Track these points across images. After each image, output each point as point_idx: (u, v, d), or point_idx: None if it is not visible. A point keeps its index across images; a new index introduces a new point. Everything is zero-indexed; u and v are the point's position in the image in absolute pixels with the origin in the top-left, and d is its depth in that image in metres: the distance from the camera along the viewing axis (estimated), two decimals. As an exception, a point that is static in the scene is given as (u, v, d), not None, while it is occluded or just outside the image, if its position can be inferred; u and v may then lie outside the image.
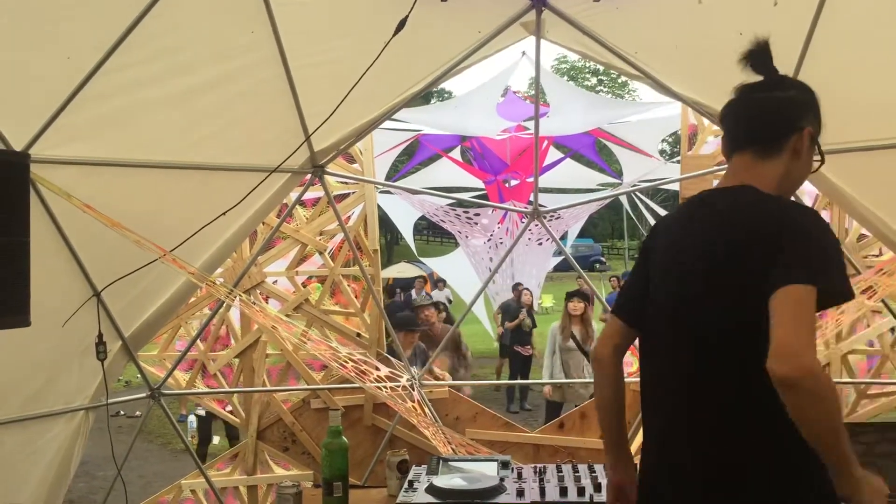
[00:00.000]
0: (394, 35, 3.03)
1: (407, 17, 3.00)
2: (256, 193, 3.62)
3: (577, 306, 8.48)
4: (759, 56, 2.11)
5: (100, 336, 3.59)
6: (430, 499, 2.48)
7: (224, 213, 3.49)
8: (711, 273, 1.90)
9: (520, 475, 2.71)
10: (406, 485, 2.62)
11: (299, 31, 3.36)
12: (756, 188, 1.96)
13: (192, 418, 9.78)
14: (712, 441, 1.88)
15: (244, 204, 3.57)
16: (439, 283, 18.95)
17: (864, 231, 4.41)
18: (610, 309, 2.36)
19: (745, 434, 1.84)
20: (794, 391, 1.64)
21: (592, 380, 2.30)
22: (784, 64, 3.34)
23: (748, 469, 1.83)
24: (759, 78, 2.11)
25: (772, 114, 2.06)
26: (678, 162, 5.81)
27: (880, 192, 3.68)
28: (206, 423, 8.77)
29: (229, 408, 5.27)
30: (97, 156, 3.31)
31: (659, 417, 2.06)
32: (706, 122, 4.95)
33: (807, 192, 4.49)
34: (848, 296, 1.81)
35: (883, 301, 4.23)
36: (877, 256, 4.79)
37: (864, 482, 1.75)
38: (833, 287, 1.77)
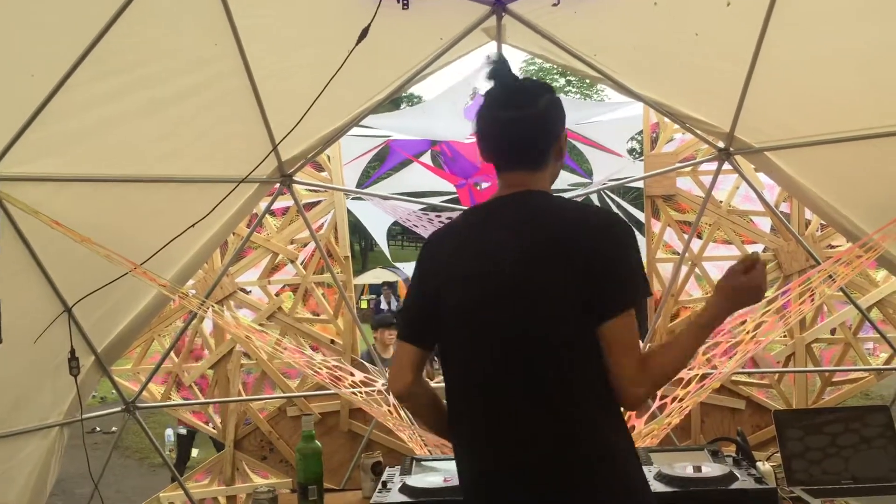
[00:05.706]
0: (357, 43, 3.07)
1: (369, 25, 3.04)
2: (225, 204, 3.63)
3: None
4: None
5: (72, 351, 3.59)
6: (404, 498, 2.51)
7: (193, 225, 3.50)
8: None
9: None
10: (379, 485, 2.66)
11: (263, 42, 3.39)
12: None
13: (168, 431, 9.67)
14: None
15: (214, 215, 3.58)
16: (413, 287, 18.91)
17: (823, 222, 4.51)
18: None
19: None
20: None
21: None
22: (738, 63, 3.46)
23: None
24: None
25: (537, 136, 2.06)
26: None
27: (836, 184, 3.78)
28: (187, 442, 8.53)
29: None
30: (65, 172, 3.31)
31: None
32: (667, 120, 5.04)
33: (767, 187, 4.59)
34: None
35: (842, 289, 4.33)
36: (839, 247, 4.88)
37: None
38: None
